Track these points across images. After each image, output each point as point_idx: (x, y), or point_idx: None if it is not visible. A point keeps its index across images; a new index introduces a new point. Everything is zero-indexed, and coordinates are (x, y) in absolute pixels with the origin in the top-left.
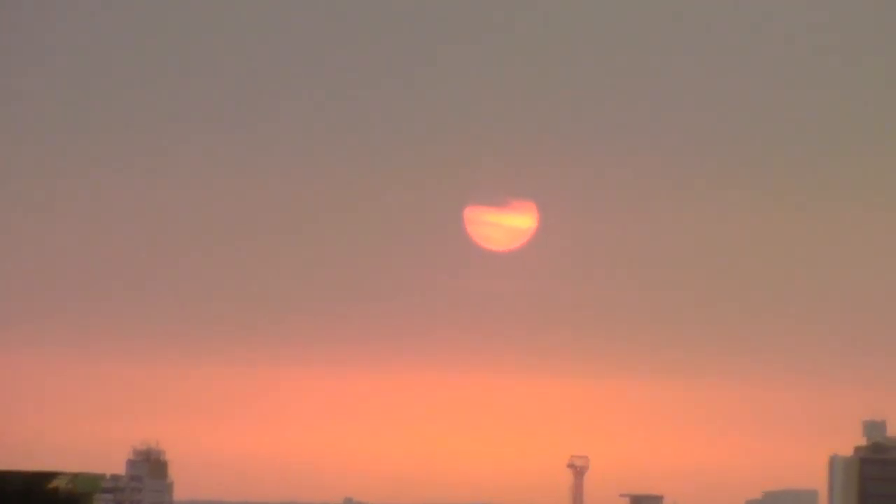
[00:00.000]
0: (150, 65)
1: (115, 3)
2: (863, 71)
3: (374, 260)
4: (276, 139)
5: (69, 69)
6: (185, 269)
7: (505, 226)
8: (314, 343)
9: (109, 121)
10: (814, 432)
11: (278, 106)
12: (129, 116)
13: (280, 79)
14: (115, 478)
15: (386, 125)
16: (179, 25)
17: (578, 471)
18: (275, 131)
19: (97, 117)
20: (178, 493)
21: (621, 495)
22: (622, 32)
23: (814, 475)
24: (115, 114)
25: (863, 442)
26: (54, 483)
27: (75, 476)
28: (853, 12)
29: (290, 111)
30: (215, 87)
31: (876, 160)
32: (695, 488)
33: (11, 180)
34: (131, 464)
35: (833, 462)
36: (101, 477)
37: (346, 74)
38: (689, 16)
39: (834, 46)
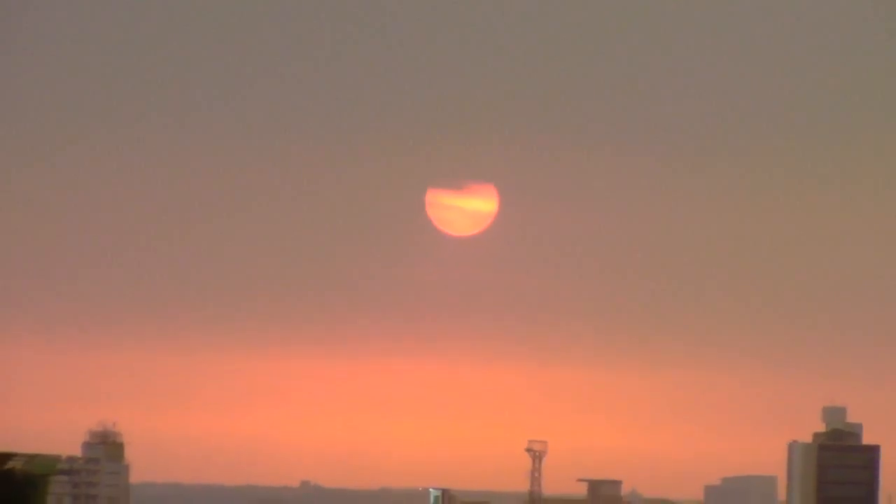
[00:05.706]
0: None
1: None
2: (856, 63)
3: (332, 244)
4: (232, 127)
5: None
6: (140, 256)
7: (465, 209)
8: (271, 328)
9: (77, 105)
10: (773, 419)
11: (242, 96)
12: (106, 106)
13: (244, 70)
14: (71, 459)
15: (346, 108)
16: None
17: (537, 455)
18: (236, 121)
19: (78, 108)
20: (135, 475)
21: (579, 480)
22: (586, 18)
23: (773, 461)
24: (94, 103)
25: (822, 428)
26: (10, 464)
27: (31, 457)
28: (850, 9)
29: (253, 100)
30: (192, 82)
31: (847, 153)
32: (654, 474)
33: None
34: (88, 446)
35: (792, 448)
36: (57, 458)
37: (306, 61)
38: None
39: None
